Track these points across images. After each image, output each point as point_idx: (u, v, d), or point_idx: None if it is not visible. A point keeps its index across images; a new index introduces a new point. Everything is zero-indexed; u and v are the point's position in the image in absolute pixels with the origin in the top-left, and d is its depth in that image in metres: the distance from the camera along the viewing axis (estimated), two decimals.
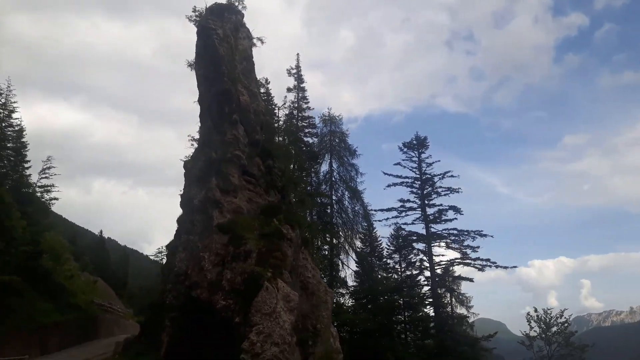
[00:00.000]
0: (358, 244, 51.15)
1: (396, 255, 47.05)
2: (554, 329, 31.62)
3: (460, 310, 43.17)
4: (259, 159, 31.04)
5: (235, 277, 25.95)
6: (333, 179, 47.82)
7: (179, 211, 33.15)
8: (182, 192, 41.06)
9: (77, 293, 42.26)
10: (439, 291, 38.54)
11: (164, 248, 41.27)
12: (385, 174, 42.58)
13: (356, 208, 48.75)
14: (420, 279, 44.82)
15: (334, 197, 47.74)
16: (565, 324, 32.10)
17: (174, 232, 37.38)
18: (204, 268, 26.98)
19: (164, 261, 42.70)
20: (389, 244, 48.11)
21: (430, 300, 39.02)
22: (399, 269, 46.69)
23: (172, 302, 28.22)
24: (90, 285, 46.27)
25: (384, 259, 52.14)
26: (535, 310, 33.06)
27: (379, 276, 49.65)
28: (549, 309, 33.02)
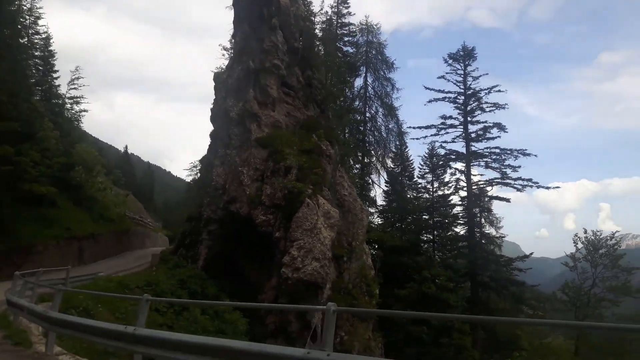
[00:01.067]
0: (389, 163, 50.04)
1: (429, 175, 45.90)
2: (602, 250, 30.87)
3: (489, 230, 42.85)
4: (298, 70, 29.31)
5: (275, 192, 25.27)
6: (367, 94, 45.69)
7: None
8: (212, 106, 39.87)
9: (110, 206, 42.53)
10: (475, 211, 37.63)
11: (198, 162, 40.64)
12: (426, 88, 40.10)
13: (390, 126, 46.84)
14: (451, 199, 44.00)
15: (367, 114, 45.90)
16: (615, 247, 31.27)
17: (207, 147, 36.67)
18: (243, 183, 26.31)
19: (197, 176, 42.42)
20: (422, 163, 46.84)
21: (466, 220, 38.30)
22: (431, 189, 45.75)
23: (210, 216, 27.94)
24: (121, 198, 46.53)
25: (414, 179, 51.16)
26: (585, 232, 32.31)
27: (409, 196, 48.93)
28: (598, 231, 32.26)
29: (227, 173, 27.56)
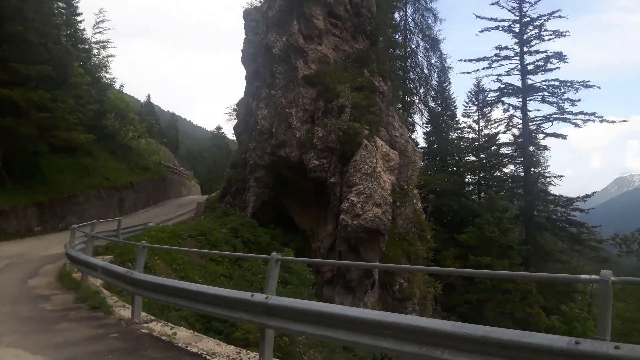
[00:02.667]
0: (429, 101, 47.44)
1: (475, 114, 43.34)
2: None
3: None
4: None
5: (328, 134, 23.41)
6: (408, 26, 42.31)
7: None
8: (243, 47, 37.58)
9: (145, 154, 41.42)
10: (531, 149, 35.20)
11: (235, 106, 38.58)
12: (477, 17, 36.70)
13: (432, 61, 43.88)
14: (499, 139, 41.63)
15: (407, 49, 42.72)
16: None
17: (244, 90, 34.78)
18: (292, 125, 24.47)
19: (234, 121, 40.51)
20: (466, 101, 44.13)
21: (522, 159, 35.92)
22: (477, 128, 43.31)
23: (256, 162, 26.40)
24: (155, 147, 45.34)
25: (456, 119, 48.87)
26: None
27: (451, 136, 46.86)
28: None
29: (273, 115, 25.69)
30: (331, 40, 26.00)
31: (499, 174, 42.33)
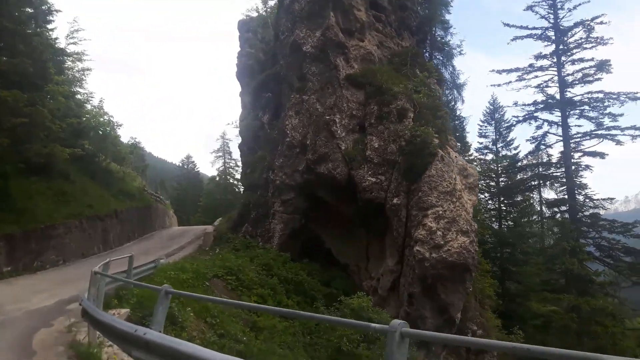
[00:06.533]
0: None
1: (491, 133, 39.94)
2: None
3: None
4: None
5: (386, 144, 18.93)
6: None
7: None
8: (237, 61, 33.69)
9: (128, 179, 35.72)
10: (573, 168, 31.42)
11: (237, 122, 33.45)
12: (505, 25, 33.11)
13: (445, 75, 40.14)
14: (520, 160, 38.18)
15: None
16: None
17: (242, 105, 30.48)
18: (335, 135, 19.84)
19: (236, 138, 35.30)
20: (482, 120, 40.66)
21: (564, 180, 32.08)
22: (495, 149, 39.84)
23: (284, 182, 21.51)
24: (130, 173, 39.50)
25: (465, 140, 45.67)
26: None
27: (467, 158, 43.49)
28: None
29: (307, 125, 20.99)
30: (374, 36, 21.83)
31: (521, 199, 38.79)
